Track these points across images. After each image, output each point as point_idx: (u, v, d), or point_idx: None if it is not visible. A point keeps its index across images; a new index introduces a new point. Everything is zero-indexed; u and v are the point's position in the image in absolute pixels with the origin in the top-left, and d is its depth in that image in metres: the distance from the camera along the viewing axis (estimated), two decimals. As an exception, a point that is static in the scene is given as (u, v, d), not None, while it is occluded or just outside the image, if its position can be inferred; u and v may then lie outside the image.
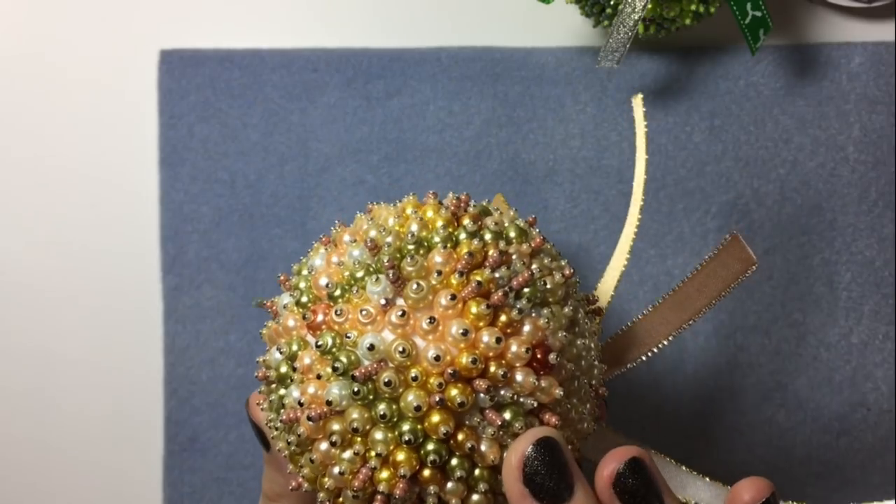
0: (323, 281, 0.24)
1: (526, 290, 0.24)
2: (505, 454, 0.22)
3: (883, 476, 0.40)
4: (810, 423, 0.40)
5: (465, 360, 0.22)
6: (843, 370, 0.40)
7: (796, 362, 0.40)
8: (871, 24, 0.41)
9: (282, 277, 0.27)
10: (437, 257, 0.23)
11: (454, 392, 0.22)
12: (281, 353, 0.24)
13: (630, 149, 0.41)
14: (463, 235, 0.24)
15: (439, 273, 0.23)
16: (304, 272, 0.26)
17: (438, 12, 0.42)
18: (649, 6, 0.36)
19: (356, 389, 0.22)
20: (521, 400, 0.23)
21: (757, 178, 0.41)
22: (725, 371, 0.40)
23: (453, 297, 0.22)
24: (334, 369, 0.22)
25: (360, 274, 0.24)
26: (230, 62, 0.42)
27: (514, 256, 0.24)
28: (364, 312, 0.23)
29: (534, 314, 0.24)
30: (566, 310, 0.25)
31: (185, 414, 0.41)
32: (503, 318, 0.23)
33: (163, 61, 0.42)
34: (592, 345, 0.26)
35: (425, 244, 0.24)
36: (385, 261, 0.23)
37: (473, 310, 0.22)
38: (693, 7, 0.36)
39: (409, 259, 0.23)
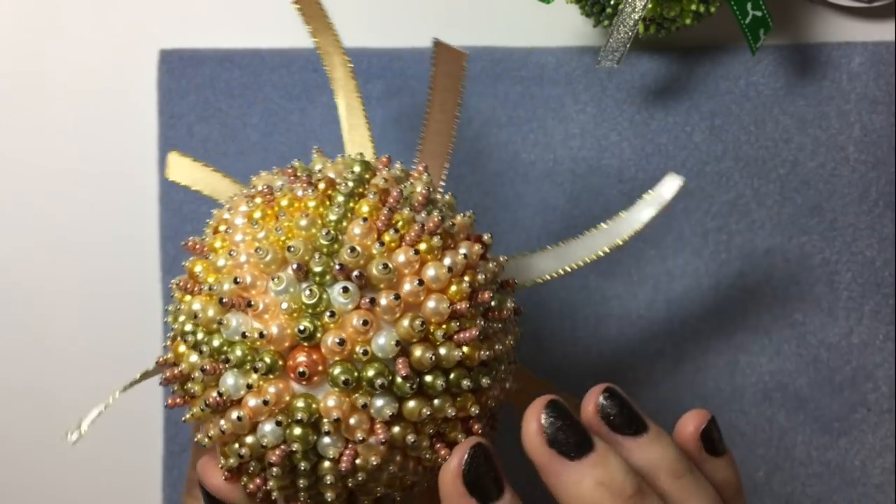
0: (275, 330, 0.22)
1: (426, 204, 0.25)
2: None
3: (883, 476, 0.40)
4: (810, 423, 0.40)
5: (457, 288, 0.23)
6: (843, 370, 0.40)
7: (796, 362, 0.40)
8: (872, 24, 0.41)
9: (168, 376, 0.24)
10: (356, 230, 0.23)
11: (465, 319, 0.23)
12: (283, 425, 0.22)
13: (630, 149, 0.41)
14: (341, 199, 0.24)
15: (382, 244, 0.23)
16: (217, 344, 0.23)
17: (438, 12, 0.42)
18: (649, 6, 0.36)
19: (411, 385, 0.22)
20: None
21: (757, 177, 0.41)
22: (725, 371, 0.40)
23: (416, 252, 0.23)
24: (381, 387, 0.22)
25: (313, 301, 0.22)
26: (230, 62, 0.42)
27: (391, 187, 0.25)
28: (362, 323, 0.22)
29: (446, 217, 0.25)
30: (447, 197, 0.26)
31: (185, 414, 0.41)
32: (439, 239, 0.24)
33: (163, 61, 0.42)
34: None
35: (332, 233, 0.23)
36: (334, 268, 0.22)
37: (423, 247, 0.23)
38: (693, 7, 0.36)
39: (347, 251, 0.22)
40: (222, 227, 0.25)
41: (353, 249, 0.22)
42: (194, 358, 0.23)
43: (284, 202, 0.24)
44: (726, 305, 0.40)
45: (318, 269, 0.22)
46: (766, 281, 0.40)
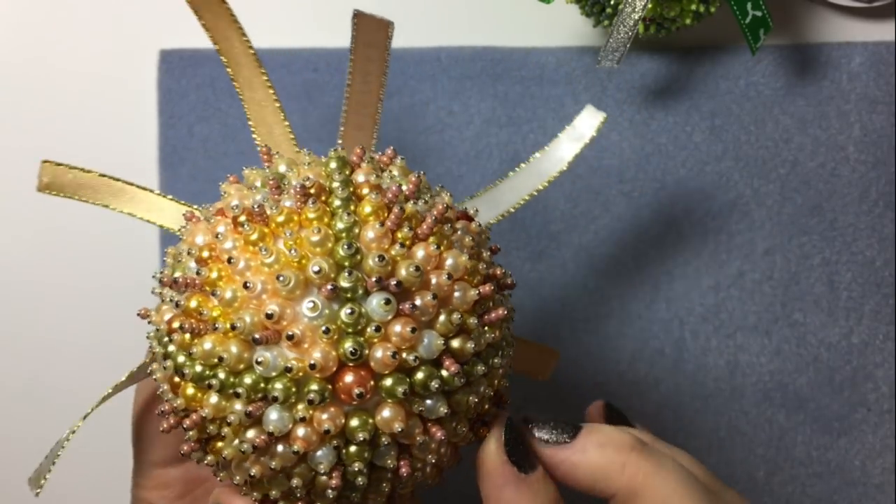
0: (318, 355, 0.21)
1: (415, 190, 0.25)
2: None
3: (883, 476, 0.40)
4: (810, 423, 0.40)
5: (474, 271, 0.23)
6: (843, 370, 0.40)
7: (796, 362, 0.40)
8: (872, 24, 0.41)
9: (188, 424, 0.23)
10: (369, 234, 0.22)
11: (488, 300, 0.24)
12: (339, 447, 0.22)
13: (630, 149, 0.41)
14: (338, 203, 0.23)
15: (403, 245, 0.22)
16: (251, 382, 0.21)
17: (438, 12, 0.42)
18: (649, 6, 0.36)
19: (459, 378, 0.22)
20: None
21: (757, 177, 0.41)
22: (725, 371, 0.40)
23: (437, 247, 0.23)
24: (435, 389, 0.22)
25: (353, 319, 0.21)
26: (230, 62, 0.42)
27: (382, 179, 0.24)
28: (410, 330, 0.21)
29: (436, 198, 0.25)
30: (421, 175, 0.26)
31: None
32: (450, 227, 0.24)
33: (163, 61, 0.42)
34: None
35: (353, 245, 0.22)
36: (368, 281, 0.21)
37: (432, 239, 0.23)
38: (693, 7, 0.36)
39: (375, 260, 0.22)
40: (206, 254, 0.23)
41: (381, 258, 0.22)
42: (214, 399, 0.22)
43: (281, 218, 0.22)
44: (726, 305, 0.40)
45: (347, 284, 0.21)
46: (765, 281, 0.40)
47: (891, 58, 0.40)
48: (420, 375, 0.22)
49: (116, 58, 0.43)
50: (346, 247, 0.22)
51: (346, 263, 0.22)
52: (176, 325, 0.23)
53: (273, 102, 0.30)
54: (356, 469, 0.22)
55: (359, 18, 0.28)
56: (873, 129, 0.40)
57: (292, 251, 0.22)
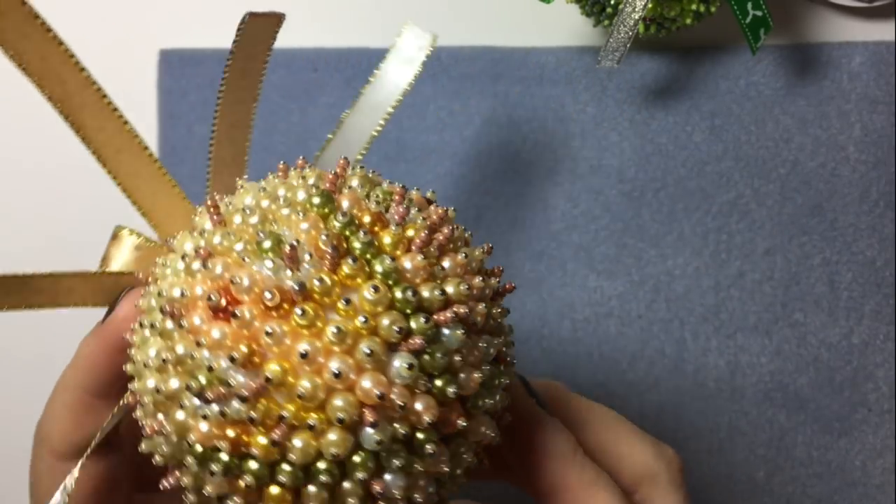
0: (422, 407, 0.20)
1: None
2: None
3: (883, 476, 0.40)
4: (811, 424, 0.40)
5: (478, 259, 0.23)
6: (843, 370, 0.40)
7: (797, 362, 0.40)
8: (872, 24, 0.41)
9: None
10: (406, 264, 0.21)
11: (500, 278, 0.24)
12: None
13: (630, 149, 0.41)
14: (359, 246, 0.21)
15: (442, 267, 0.22)
16: (360, 460, 0.20)
17: (438, 12, 0.42)
18: (649, 6, 0.36)
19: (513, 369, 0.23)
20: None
21: (757, 177, 0.41)
22: (726, 371, 0.40)
23: (465, 255, 0.22)
24: (501, 388, 0.22)
25: (443, 363, 0.20)
26: (230, 62, 0.42)
27: (383, 204, 0.23)
28: (484, 347, 0.21)
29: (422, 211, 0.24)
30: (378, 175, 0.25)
31: None
32: (462, 230, 0.24)
33: (163, 61, 0.42)
34: None
35: (416, 291, 0.20)
36: (443, 317, 0.20)
37: (449, 248, 0.22)
38: (693, 7, 0.36)
39: (437, 294, 0.20)
40: (245, 349, 0.20)
41: (442, 292, 0.20)
42: (315, 490, 0.20)
43: (322, 288, 0.20)
44: (726, 305, 0.40)
45: (420, 328, 0.20)
46: (766, 281, 0.40)
47: (891, 58, 0.40)
48: (488, 377, 0.22)
49: (116, 58, 0.43)
50: (409, 293, 0.20)
51: (409, 309, 0.20)
52: (231, 434, 0.20)
53: (116, 121, 0.25)
54: (457, 486, 0.22)
55: (251, 19, 0.26)
56: (874, 129, 0.40)
57: (363, 320, 0.20)
